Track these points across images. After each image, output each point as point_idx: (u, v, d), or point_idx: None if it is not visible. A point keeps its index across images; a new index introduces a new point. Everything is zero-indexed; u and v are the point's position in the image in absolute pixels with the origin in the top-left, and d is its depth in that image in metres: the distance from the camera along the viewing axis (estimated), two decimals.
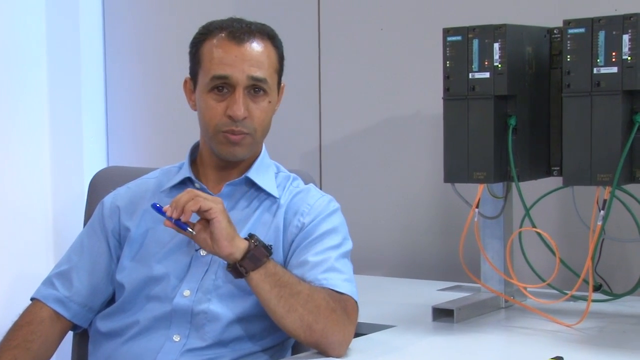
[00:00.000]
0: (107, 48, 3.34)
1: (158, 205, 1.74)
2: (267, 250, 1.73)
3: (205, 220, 1.70)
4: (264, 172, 1.93)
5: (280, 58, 1.91)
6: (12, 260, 3.12)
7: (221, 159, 1.89)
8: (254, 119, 1.85)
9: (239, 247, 1.70)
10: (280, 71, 1.91)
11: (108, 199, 1.99)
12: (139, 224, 1.92)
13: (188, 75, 1.93)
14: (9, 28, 3.15)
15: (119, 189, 2.01)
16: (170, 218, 1.70)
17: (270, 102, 1.88)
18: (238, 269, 1.70)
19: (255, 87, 1.85)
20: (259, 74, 1.84)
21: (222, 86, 1.84)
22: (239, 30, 1.86)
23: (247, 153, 1.89)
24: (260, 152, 1.96)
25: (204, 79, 1.85)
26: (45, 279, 1.96)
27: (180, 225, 1.71)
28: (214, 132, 1.85)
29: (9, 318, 1.93)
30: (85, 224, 2.14)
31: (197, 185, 1.92)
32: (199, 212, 1.69)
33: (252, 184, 1.91)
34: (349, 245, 1.90)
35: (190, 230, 1.70)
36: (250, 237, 1.73)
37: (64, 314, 1.92)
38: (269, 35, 1.89)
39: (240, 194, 1.92)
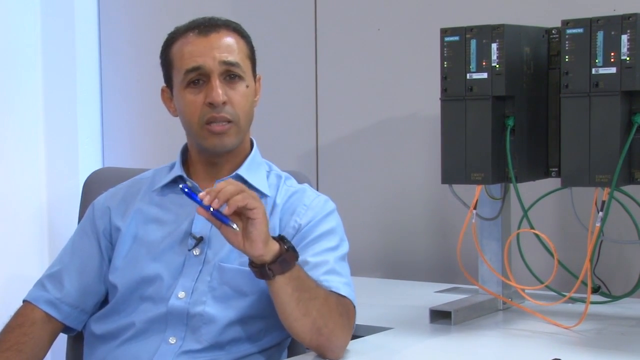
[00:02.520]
0: (102, 49, 3.34)
1: (188, 190, 1.62)
2: (296, 254, 1.70)
3: (237, 214, 1.62)
4: (255, 170, 1.91)
5: (250, 47, 1.91)
6: (7, 261, 3.11)
7: (210, 154, 1.88)
8: (234, 104, 1.84)
9: (272, 249, 1.66)
10: (252, 58, 1.91)
11: (99, 200, 1.98)
12: (130, 223, 1.90)
13: (163, 85, 1.93)
14: (3, 28, 3.15)
15: (109, 190, 2.00)
16: (206, 207, 1.59)
17: (247, 86, 1.87)
18: (266, 271, 1.66)
19: (230, 73, 1.84)
20: (230, 58, 1.84)
21: (197, 79, 1.84)
22: (203, 24, 1.87)
23: (235, 141, 1.86)
24: (252, 149, 1.94)
25: (178, 77, 1.85)
26: (37, 281, 1.95)
27: (219, 217, 1.60)
28: (198, 127, 1.84)
29: (2, 319, 1.91)
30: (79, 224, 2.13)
31: (188, 183, 1.90)
32: (244, 208, 1.61)
33: (243, 182, 1.89)
34: (346, 247, 1.89)
35: (232, 224, 1.60)
36: (281, 239, 1.70)
37: (55, 316, 1.90)
38: (234, 28, 1.89)
39: None
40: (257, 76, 1.93)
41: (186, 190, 1.63)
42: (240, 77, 1.85)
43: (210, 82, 1.83)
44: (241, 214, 1.63)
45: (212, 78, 1.83)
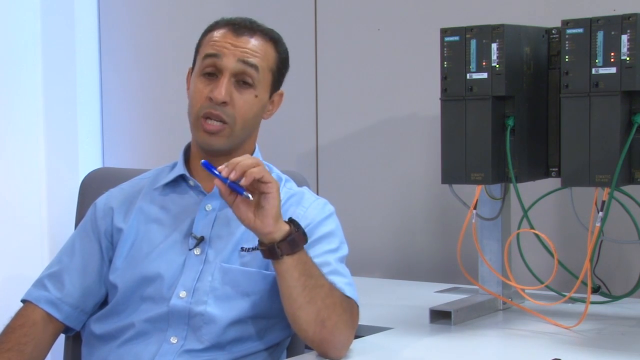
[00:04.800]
0: (102, 48, 3.34)
1: (208, 163, 1.69)
2: (305, 237, 1.72)
3: (250, 191, 1.65)
4: None
5: (280, 63, 1.90)
6: (6, 261, 3.11)
7: (203, 150, 1.88)
8: (235, 107, 1.83)
9: (282, 228, 1.68)
10: (276, 73, 1.90)
11: (101, 200, 1.98)
12: (131, 224, 1.90)
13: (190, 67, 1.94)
14: (4, 28, 3.15)
15: (111, 190, 2.00)
16: (224, 179, 1.64)
17: (257, 96, 1.86)
18: (275, 250, 1.67)
19: (243, 78, 1.84)
20: (250, 59, 1.84)
21: (213, 72, 1.84)
22: (241, 25, 1.87)
23: (225, 144, 1.86)
24: (253, 151, 1.94)
25: (198, 62, 1.87)
26: (36, 281, 1.94)
27: (235, 188, 1.64)
28: (195, 117, 1.85)
29: (1, 319, 1.91)
30: (76, 225, 2.12)
31: (191, 182, 1.91)
32: (258, 181, 1.64)
33: None
34: (345, 250, 1.89)
35: (247, 194, 1.64)
36: (291, 221, 1.72)
37: (56, 316, 1.90)
38: (272, 38, 1.89)
39: None
40: (279, 91, 1.92)
41: (208, 164, 1.69)
42: (250, 85, 1.84)
43: (220, 78, 1.83)
44: (254, 191, 1.65)
45: (223, 74, 1.83)
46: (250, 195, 1.64)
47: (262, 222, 1.66)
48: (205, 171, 1.89)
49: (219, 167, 1.66)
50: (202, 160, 1.72)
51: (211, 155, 1.86)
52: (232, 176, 1.63)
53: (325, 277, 1.75)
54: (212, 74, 1.84)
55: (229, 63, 1.82)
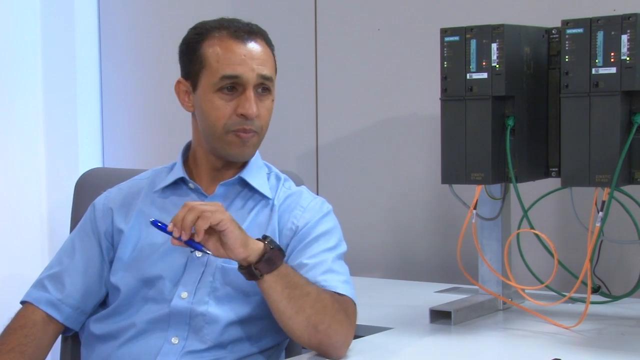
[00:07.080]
0: (102, 48, 3.34)
1: (159, 223, 1.71)
2: (282, 252, 1.72)
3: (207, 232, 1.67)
4: (257, 173, 1.92)
5: (275, 60, 1.92)
6: (6, 261, 3.11)
7: (221, 159, 1.88)
8: (261, 117, 1.86)
9: (254, 249, 1.69)
10: (276, 72, 1.92)
11: (100, 201, 1.97)
12: (132, 225, 1.90)
13: (180, 77, 1.91)
14: (4, 28, 3.15)
15: (110, 190, 1.99)
16: (179, 238, 1.67)
17: (273, 100, 1.89)
18: (253, 271, 1.69)
19: (263, 86, 1.85)
20: (266, 72, 1.85)
21: (232, 85, 1.83)
22: (240, 30, 1.86)
23: (253, 152, 1.89)
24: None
25: (211, 79, 1.84)
26: (36, 282, 1.94)
27: (193, 245, 1.67)
28: (222, 132, 1.84)
29: (1, 320, 1.91)
30: (71, 225, 2.12)
31: (191, 185, 1.91)
32: (209, 228, 1.66)
33: (245, 184, 1.91)
34: (343, 247, 1.90)
35: (206, 250, 1.67)
36: (265, 238, 1.72)
37: (56, 317, 1.90)
38: (264, 36, 1.90)
39: (235, 194, 1.91)
40: None
41: (158, 224, 1.72)
42: (269, 91, 1.87)
43: (245, 93, 1.83)
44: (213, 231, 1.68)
45: (247, 90, 1.83)
46: (208, 251, 1.68)
47: (232, 252, 1.67)
48: (206, 173, 1.91)
49: (169, 227, 1.67)
50: (152, 220, 1.73)
51: (228, 167, 1.88)
52: (184, 237, 1.66)
53: (312, 283, 1.75)
54: (230, 88, 1.83)
55: (251, 78, 1.83)
